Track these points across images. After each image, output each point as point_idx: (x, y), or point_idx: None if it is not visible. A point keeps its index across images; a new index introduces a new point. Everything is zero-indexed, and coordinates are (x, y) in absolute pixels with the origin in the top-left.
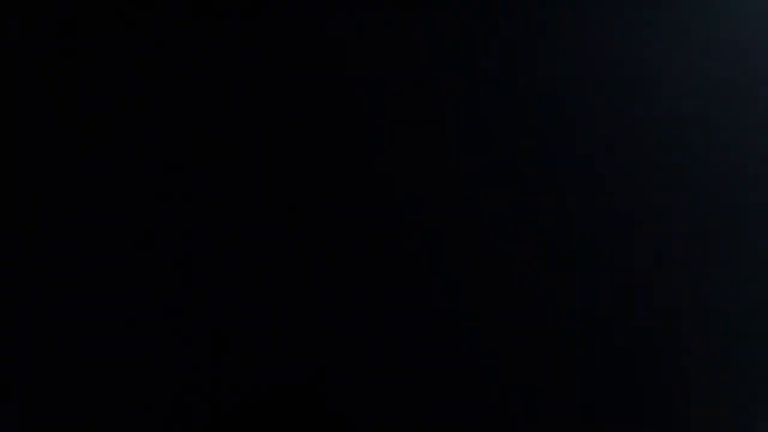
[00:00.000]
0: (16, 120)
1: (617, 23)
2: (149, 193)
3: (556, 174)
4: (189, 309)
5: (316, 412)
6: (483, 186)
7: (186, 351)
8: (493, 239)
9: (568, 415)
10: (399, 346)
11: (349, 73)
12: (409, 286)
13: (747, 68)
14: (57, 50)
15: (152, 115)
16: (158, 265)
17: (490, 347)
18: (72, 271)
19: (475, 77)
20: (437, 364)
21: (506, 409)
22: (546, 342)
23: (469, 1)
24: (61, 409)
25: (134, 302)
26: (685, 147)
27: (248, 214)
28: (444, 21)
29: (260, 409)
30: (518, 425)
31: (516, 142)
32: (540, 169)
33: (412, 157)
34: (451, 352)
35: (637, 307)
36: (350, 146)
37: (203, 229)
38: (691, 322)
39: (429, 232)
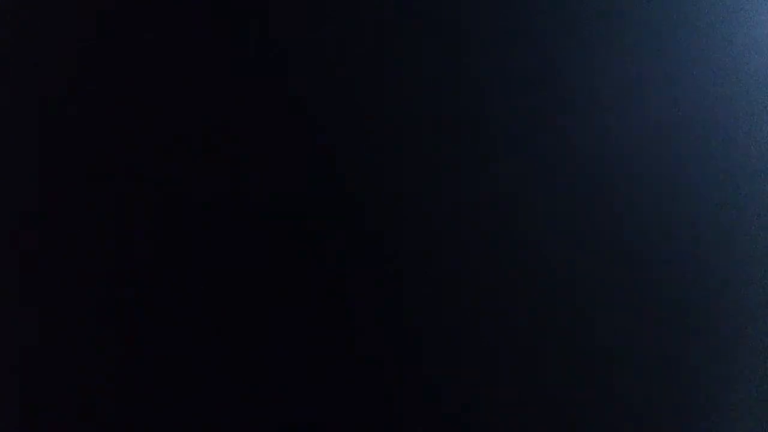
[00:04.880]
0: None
1: (615, 25)
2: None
3: (554, 174)
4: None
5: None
6: (481, 186)
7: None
8: (493, 240)
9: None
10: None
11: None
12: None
13: (744, 70)
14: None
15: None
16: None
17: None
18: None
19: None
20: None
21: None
22: (547, 343)
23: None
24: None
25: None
26: (682, 148)
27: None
28: (442, 21)
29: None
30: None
31: (515, 143)
32: (537, 169)
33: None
34: (453, 352)
35: (636, 307)
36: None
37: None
38: (690, 321)
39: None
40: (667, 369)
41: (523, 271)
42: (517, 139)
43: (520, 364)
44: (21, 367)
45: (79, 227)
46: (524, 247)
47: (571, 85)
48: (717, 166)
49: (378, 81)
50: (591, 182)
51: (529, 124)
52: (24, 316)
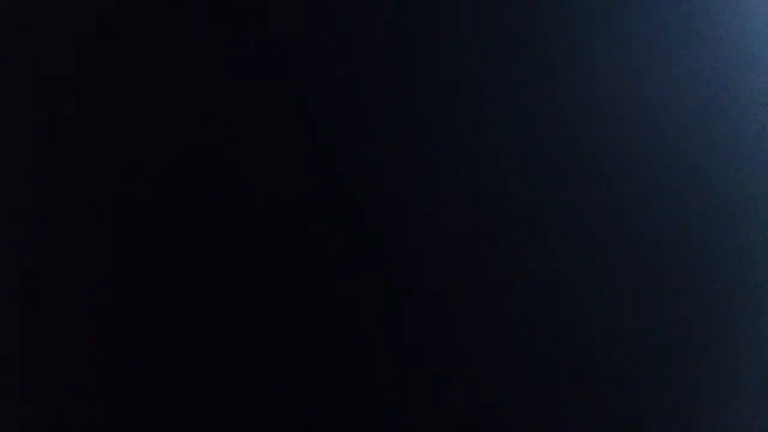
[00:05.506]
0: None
1: (616, 28)
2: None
3: (554, 174)
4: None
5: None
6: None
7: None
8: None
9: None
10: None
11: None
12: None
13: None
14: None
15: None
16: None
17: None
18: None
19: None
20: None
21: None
22: (548, 342)
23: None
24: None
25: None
26: (685, 148)
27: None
28: (443, 28)
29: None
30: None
31: (518, 145)
32: (537, 169)
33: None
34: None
35: (637, 309)
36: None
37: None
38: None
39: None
40: (667, 369)
41: (523, 271)
42: (517, 139)
43: (520, 364)
44: (21, 367)
45: (79, 227)
46: (524, 247)
47: (571, 83)
48: (718, 164)
49: (378, 81)
50: (591, 181)
51: (529, 124)
52: (24, 316)
